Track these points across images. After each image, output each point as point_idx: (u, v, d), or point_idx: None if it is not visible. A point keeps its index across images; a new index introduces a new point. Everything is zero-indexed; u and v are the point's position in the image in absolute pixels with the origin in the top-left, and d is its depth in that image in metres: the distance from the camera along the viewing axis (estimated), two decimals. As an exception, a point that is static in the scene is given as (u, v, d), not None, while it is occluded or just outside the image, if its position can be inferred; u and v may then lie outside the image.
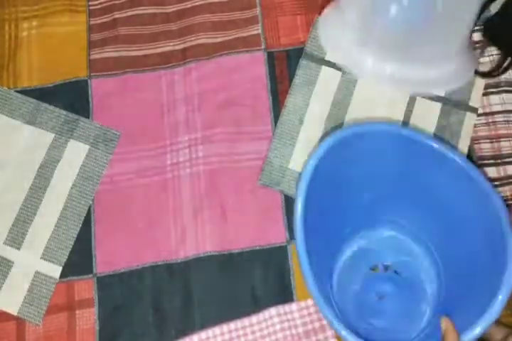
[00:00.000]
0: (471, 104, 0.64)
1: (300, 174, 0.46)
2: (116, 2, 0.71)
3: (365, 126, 0.46)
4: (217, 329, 0.59)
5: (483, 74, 0.58)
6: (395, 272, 0.60)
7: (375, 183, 0.55)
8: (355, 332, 0.46)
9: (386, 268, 0.60)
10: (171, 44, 0.69)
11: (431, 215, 0.57)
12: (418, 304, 0.58)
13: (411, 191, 0.55)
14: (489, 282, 0.48)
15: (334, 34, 0.60)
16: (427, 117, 0.64)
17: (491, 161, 0.63)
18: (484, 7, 0.58)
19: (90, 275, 0.61)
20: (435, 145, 0.49)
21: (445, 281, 0.57)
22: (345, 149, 0.47)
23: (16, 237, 0.63)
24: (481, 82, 0.65)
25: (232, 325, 0.59)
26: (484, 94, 0.65)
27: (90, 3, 0.71)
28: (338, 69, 0.66)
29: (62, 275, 0.62)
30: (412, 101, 0.64)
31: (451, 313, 0.52)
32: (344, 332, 0.46)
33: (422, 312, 0.58)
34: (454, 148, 0.59)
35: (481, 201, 0.49)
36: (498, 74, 0.58)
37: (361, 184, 0.55)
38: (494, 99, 0.65)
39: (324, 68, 0.67)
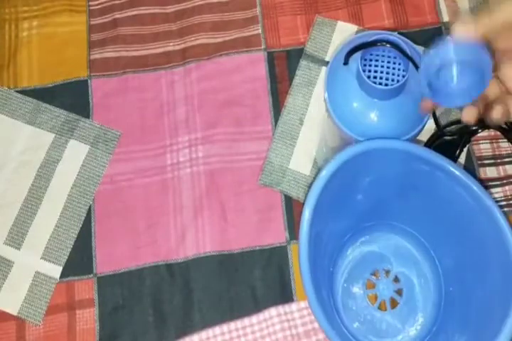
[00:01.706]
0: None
1: (310, 187, 0.47)
2: (116, 2, 0.71)
3: (373, 143, 0.47)
4: (217, 329, 0.59)
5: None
6: (396, 278, 0.60)
7: (380, 191, 0.55)
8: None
9: (387, 273, 0.60)
10: (171, 44, 0.69)
11: (441, 228, 0.56)
12: (412, 312, 0.58)
13: (413, 198, 0.55)
14: (501, 305, 0.47)
15: None
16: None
17: (491, 161, 0.63)
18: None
19: (90, 275, 0.61)
20: (441, 162, 0.49)
21: (448, 294, 0.57)
22: (353, 162, 0.47)
23: (16, 237, 0.63)
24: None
25: (232, 324, 0.59)
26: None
27: (90, 3, 0.71)
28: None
29: (63, 275, 0.61)
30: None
31: (455, 327, 0.52)
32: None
33: (415, 320, 0.58)
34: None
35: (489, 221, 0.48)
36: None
37: (366, 192, 0.55)
38: (494, 99, 0.65)
39: (324, 69, 0.67)
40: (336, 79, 0.48)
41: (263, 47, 0.68)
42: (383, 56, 0.46)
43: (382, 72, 0.46)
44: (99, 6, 0.71)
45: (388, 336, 0.58)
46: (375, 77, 0.45)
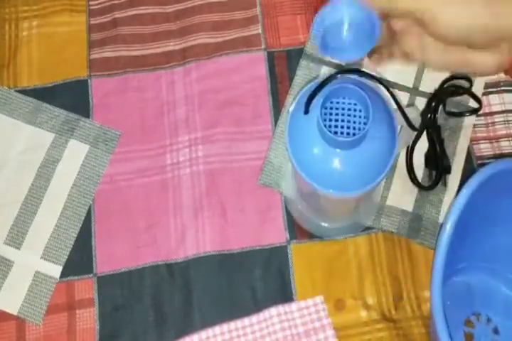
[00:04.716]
0: (470, 104, 0.64)
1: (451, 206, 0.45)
2: (116, 2, 0.71)
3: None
4: (217, 329, 0.59)
5: (425, 188, 0.62)
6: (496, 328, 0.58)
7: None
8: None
9: (488, 320, 0.58)
10: (171, 44, 0.69)
11: None
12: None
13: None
14: None
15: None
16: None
17: (491, 161, 0.63)
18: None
19: (90, 275, 0.62)
20: None
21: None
22: (494, 182, 0.46)
23: (16, 237, 0.63)
24: (480, 82, 0.65)
25: (232, 324, 0.59)
26: (484, 94, 0.65)
27: (90, 3, 0.71)
28: (338, 69, 0.66)
29: (62, 275, 0.62)
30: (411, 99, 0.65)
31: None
32: None
33: None
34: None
35: None
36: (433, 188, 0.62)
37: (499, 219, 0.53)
38: (494, 98, 0.65)
39: (324, 68, 0.67)
40: (297, 127, 0.46)
41: (263, 47, 0.68)
42: (344, 103, 0.44)
43: (343, 121, 0.43)
44: (99, 6, 0.71)
45: None
46: (336, 126, 0.44)
